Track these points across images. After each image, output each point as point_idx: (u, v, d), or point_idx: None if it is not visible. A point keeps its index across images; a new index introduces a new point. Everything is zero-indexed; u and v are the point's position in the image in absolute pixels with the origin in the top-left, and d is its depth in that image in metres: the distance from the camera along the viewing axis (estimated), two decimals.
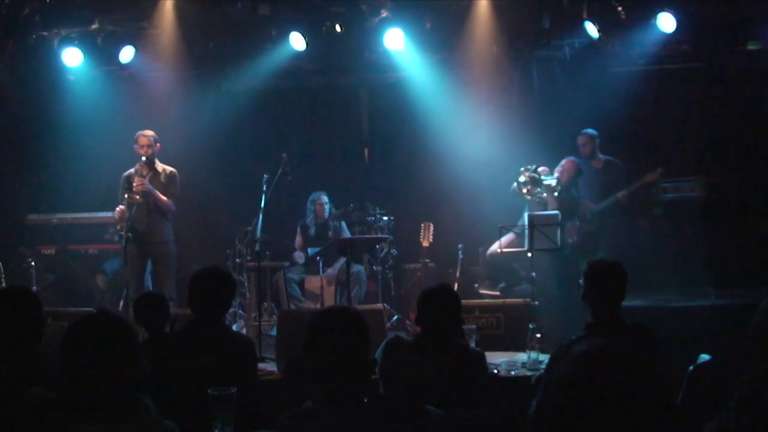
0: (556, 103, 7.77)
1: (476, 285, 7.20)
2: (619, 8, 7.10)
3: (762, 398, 2.12)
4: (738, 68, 7.59)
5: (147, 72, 7.92)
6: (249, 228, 7.09)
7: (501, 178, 7.05)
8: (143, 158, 6.34)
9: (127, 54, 7.54)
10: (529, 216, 6.39)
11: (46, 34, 7.47)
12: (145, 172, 6.41)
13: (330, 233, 7.49)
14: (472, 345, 4.07)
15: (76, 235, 7.65)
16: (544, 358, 4.75)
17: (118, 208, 6.31)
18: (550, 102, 7.82)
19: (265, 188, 6.47)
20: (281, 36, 7.52)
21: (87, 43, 7.49)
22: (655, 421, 1.52)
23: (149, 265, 6.55)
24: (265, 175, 6.55)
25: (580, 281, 3.71)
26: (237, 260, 7.35)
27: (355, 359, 2.28)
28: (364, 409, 2.25)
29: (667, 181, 7.39)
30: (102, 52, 7.59)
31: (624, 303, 3.42)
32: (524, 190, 6.64)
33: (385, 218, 7.68)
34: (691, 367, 2.87)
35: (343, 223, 7.75)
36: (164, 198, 6.39)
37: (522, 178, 6.66)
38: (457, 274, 7.24)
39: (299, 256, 7.48)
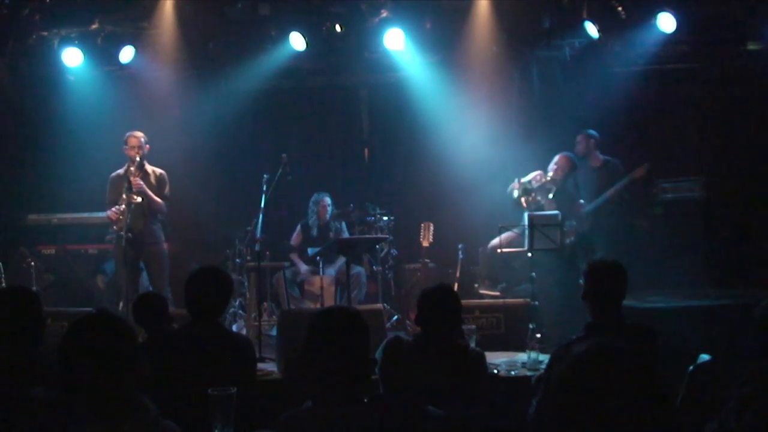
0: (556, 103, 7.77)
1: (476, 285, 7.20)
2: (619, 8, 7.11)
3: (762, 398, 2.12)
4: (738, 68, 7.60)
5: (147, 72, 7.90)
6: (249, 228, 7.09)
7: (501, 178, 7.04)
8: (136, 159, 6.21)
9: (127, 54, 7.53)
10: (529, 216, 6.38)
11: (46, 34, 7.47)
12: (135, 174, 6.27)
13: (331, 234, 7.49)
14: (472, 345, 4.06)
15: (76, 235, 7.64)
16: (544, 358, 4.76)
17: (114, 209, 6.16)
18: (550, 102, 7.82)
19: (265, 188, 6.46)
20: (281, 36, 7.52)
21: (87, 43, 7.48)
22: (655, 421, 1.53)
23: (142, 266, 6.52)
24: (265, 175, 6.53)
25: (580, 281, 3.71)
26: (237, 260, 7.35)
27: (355, 359, 2.28)
28: (364, 409, 2.25)
29: (667, 181, 7.40)
30: (102, 52, 7.58)
31: (624, 303, 3.42)
32: (522, 201, 6.64)
33: (385, 218, 7.66)
34: (691, 367, 2.87)
35: (344, 224, 7.75)
36: (158, 199, 6.33)
37: (516, 193, 6.68)
38: (457, 274, 7.23)
39: (305, 272, 7.44)
